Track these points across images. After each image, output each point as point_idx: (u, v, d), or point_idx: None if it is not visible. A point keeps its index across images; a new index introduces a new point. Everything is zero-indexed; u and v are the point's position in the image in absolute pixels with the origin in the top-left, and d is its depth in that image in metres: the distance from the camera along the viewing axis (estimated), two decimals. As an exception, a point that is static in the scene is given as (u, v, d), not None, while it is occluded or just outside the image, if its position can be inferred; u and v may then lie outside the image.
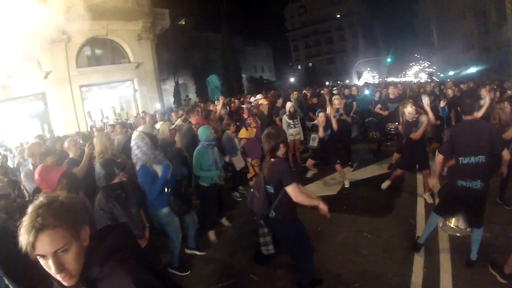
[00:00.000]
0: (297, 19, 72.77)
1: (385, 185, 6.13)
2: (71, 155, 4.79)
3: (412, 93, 12.53)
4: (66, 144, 4.95)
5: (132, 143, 3.96)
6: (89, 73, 18.15)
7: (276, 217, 3.22)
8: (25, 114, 17.30)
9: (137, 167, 3.88)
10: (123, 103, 22.48)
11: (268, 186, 3.19)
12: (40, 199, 1.29)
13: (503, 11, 22.47)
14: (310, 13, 70.55)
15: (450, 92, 9.68)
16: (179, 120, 7.41)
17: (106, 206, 3.13)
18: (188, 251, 4.69)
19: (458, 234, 3.79)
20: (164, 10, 21.41)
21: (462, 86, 12.34)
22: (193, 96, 38.50)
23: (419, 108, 5.92)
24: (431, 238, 4.14)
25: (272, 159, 3.21)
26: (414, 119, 5.42)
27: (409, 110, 5.43)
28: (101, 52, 18.95)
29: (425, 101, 5.70)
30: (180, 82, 36.22)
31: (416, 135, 5.27)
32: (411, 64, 51.88)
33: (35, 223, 1.19)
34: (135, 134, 4.03)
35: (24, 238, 1.19)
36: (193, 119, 6.48)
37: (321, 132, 6.47)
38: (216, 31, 43.25)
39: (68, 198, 1.33)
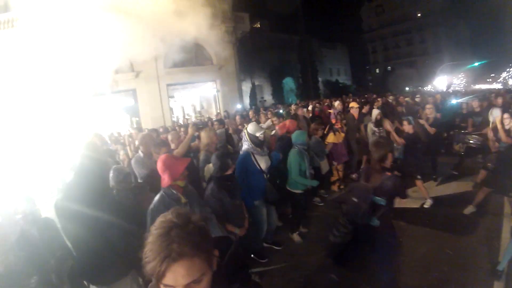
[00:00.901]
0: (374, 19, 69.44)
1: (468, 210, 5.71)
2: (172, 146, 5.42)
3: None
4: (170, 137, 5.72)
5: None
6: (176, 73, 19.75)
7: (381, 225, 3.29)
8: (117, 108, 19.19)
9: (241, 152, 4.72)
10: (203, 102, 24.00)
11: (378, 198, 3.24)
12: (169, 216, 1.13)
13: None
14: (388, 12, 66.86)
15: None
16: (268, 121, 7.68)
17: (218, 194, 3.64)
18: (266, 245, 5.09)
19: None
20: (244, 14, 22.35)
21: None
22: (268, 98, 39.17)
23: None
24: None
25: (388, 173, 3.28)
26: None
27: (506, 115, 5.20)
28: (187, 53, 19.83)
29: (496, 115, 5.45)
30: (256, 83, 37.14)
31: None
32: (502, 69, 46.98)
33: (170, 251, 1.03)
34: (244, 130, 4.82)
35: (152, 265, 1.04)
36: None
37: (396, 138, 6.55)
38: (292, 33, 43.49)
39: (200, 219, 1.17)
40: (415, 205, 6.30)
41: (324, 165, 6.59)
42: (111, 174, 3.69)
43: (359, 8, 71.72)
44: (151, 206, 3.05)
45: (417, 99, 12.74)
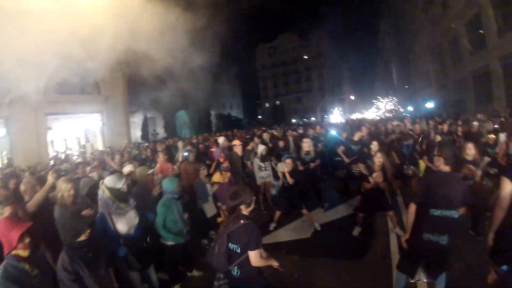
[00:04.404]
0: (267, 59, 75.88)
1: (356, 231, 5.97)
2: (26, 198, 4.35)
3: (377, 132, 12.74)
4: (22, 187, 4.56)
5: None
6: (57, 102, 17.61)
7: (242, 275, 3.01)
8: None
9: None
10: (89, 135, 22.00)
11: (233, 245, 2.98)
12: None
13: (457, 52, 23.90)
14: (279, 54, 73.93)
15: (417, 128, 9.95)
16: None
17: (71, 266, 2.80)
18: None
19: (425, 280, 3.76)
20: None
21: (431, 122, 12.56)
22: (161, 131, 37.97)
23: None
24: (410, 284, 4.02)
25: (242, 221, 2.97)
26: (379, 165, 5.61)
27: (379, 159, 5.64)
28: (71, 81, 18.02)
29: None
30: (148, 116, 35.85)
31: (368, 186, 5.56)
32: (373, 101, 54.33)
33: None
34: (100, 185, 3.92)
35: None
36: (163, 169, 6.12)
37: (289, 179, 6.35)
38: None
39: None
40: (307, 235, 6.23)
41: (210, 207, 6.12)
42: None
43: (253, 47, 78.00)
44: None
45: (300, 131, 13.28)
